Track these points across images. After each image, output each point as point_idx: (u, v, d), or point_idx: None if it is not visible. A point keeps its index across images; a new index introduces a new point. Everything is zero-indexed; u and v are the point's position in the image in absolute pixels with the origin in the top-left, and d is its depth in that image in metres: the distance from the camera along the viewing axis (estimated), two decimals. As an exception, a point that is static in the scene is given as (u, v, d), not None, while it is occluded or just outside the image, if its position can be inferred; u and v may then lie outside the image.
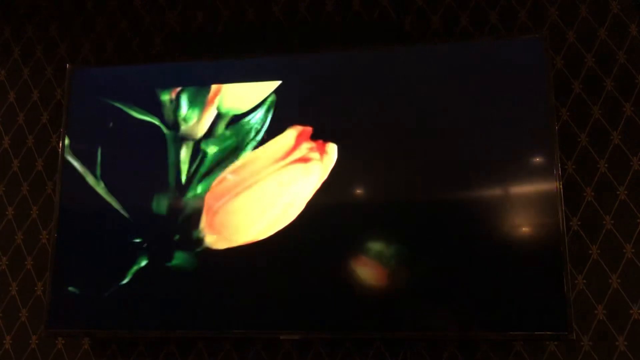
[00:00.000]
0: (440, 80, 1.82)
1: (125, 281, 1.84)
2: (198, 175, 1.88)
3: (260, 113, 1.89)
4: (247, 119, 1.89)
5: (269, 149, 1.85)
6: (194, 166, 1.89)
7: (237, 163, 1.86)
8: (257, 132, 1.87)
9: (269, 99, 1.89)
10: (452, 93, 1.80)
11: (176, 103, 1.95)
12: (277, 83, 1.90)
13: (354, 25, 2.08)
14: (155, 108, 1.95)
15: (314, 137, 1.83)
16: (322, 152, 1.82)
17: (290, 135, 1.85)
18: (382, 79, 1.85)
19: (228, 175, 1.86)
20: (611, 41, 1.92)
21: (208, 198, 1.85)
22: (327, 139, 1.82)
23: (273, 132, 1.86)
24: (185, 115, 1.93)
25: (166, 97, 1.96)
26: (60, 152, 1.98)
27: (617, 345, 1.73)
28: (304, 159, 1.82)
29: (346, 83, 1.87)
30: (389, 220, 1.76)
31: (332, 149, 1.81)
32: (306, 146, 1.83)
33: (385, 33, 2.04)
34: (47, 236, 2.07)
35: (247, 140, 1.87)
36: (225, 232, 1.82)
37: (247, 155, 1.86)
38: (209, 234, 1.83)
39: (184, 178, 1.89)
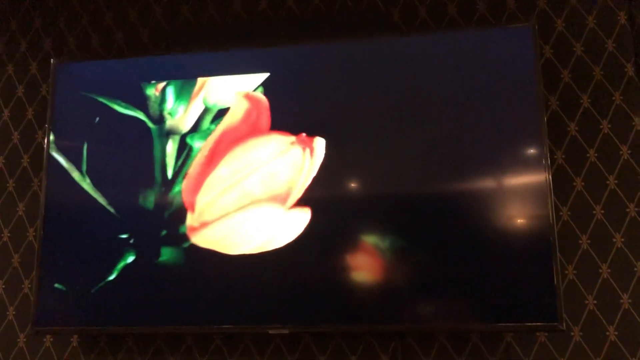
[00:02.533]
0: (428, 71, 1.80)
1: (112, 277, 1.82)
2: (184, 170, 1.86)
3: (246, 106, 1.87)
4: (233, 112, 1.87)
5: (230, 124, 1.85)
6: (180, 161, 1.87)
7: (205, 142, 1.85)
8: (244, 126, 1.85)
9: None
10: (440, 83, 1.78)
11: (161, 97, 1.92)
12: (264, 75, 1.88)
13: (342, 16, 2.06)
14: (141, 102, 1.93)
15: (297, 130, 1.81)
16: (308, 146, 1.80)
17: (240, 106, 1.85)
18: (370, 70, 1.83)
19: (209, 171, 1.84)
20: (600, 30, 1.91)
21: (186, 193, 1.83)
22: (315, 132, 1.80)
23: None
24: (171, 109, 1.91)
25: (151, 91, 1.93)
26: (45, 148, 1.96)
27: (607, 335, 1.72)
28: (289, 154, 1.80)
29: (335, 75, 1.84)
30: (377, 213, 1.74)
31: (320, 143, 1.79)
32: (289, 140, 1.81)
33: (374, 24, 2.02)
34: (33, 233, 2.05)
35: (234, 134, 1.85)
36: (211, 231, 1.80)
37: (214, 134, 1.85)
38: (195, 230, 1.81)
39: (170, 173, 1.86)
